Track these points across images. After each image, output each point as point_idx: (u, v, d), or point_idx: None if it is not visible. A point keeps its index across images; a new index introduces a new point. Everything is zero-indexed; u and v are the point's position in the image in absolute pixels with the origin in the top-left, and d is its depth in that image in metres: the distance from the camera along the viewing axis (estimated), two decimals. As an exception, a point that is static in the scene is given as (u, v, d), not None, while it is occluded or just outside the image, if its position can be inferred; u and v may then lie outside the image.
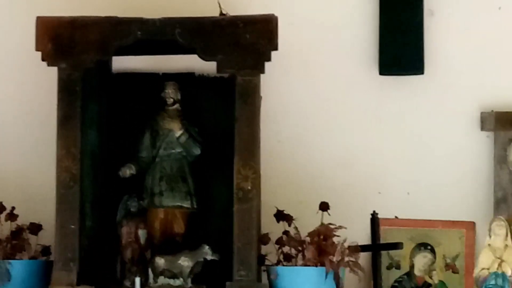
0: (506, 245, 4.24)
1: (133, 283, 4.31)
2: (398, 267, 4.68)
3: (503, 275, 4.20)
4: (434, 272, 4.66)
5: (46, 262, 4.51)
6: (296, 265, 4.37)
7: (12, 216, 4.53)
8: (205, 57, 4.41)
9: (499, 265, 4.20)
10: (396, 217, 4.69)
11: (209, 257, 4.37)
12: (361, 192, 4.77)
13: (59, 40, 4.41)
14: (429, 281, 4.67)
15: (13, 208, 4.56)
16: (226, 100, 4.52)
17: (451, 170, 4.79)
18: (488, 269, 4.21)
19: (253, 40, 4.34)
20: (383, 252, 4.62)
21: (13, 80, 4.89)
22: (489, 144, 4.76)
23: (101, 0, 4.84)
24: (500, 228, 4.25)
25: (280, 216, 4.46)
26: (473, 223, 4.68)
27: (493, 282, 4.20)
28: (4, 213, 4.52)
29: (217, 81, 4.63)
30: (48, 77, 4.54)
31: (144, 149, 4.56)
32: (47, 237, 4.55)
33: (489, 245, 4.23)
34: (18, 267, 4.43)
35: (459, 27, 4.89)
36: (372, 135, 4.86)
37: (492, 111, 4.71)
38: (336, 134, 4.88)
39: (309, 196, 4.66)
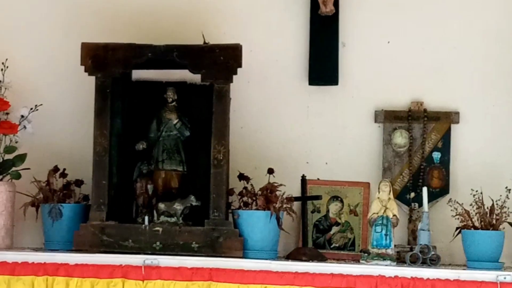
0: (389, 198, 4.41)
1: (143, 220, 4.44)
2: (318, 211, 4.70)
3: (387, 217, 4.36)
4: (342, 215, 4.71)
5: (85, 206, 4.62)
6: (251, 210, 4.46)
7: (63, 175, 4.64)
8: (193, 71, 4.52)
9: (384, 211, 4.38)
10: (318, 178, 4.72)
11: (194, 203, 4.48)
12: (295, 162, 4.78)
13: (96, 58, 4.51)
14: (339, 221, 4.72)
15: (64, 169, 4.66)
16: (207, 100, 4.57)
17: (356, 148, 4.81)
18: (377, 213, 4.38)
19: (226, 60, 4.46)
20: (309, 202, 4.65)
21: (68, 85, 4.86)
22: (380, 132, 4.78)
23: (124, 32, 4.79)
24: (385, 186, 4.42)
25: (241, 177, 4.55)
26: (369, 183, 4.72)
27: (380, 222, 4.36)
28: (58, 172, 4.64)
29: (201, 87, 4.66)
30: (89, 83, 4.57)
31: (152, 132, 4.61)
32: (87, 189, 4.63)
33: (378, 198, 4.40)
34: (67, 209, 4.55)
35: (362, 54, 4.85)
36: (303, 125, 4.86)
37: (382, 109, 4.76)
38: (279, 124, 4.86)
39: (261, 164, 4.69)
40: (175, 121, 4.57)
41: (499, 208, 4.30)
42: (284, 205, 4.41)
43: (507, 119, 4.72)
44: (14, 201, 4.60)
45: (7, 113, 4.61)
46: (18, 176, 4.59)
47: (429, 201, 4.46)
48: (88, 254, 4.33)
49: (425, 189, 4.46)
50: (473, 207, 4.34)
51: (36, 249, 4.54)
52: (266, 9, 4.88)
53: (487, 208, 4.32)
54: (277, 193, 4.42)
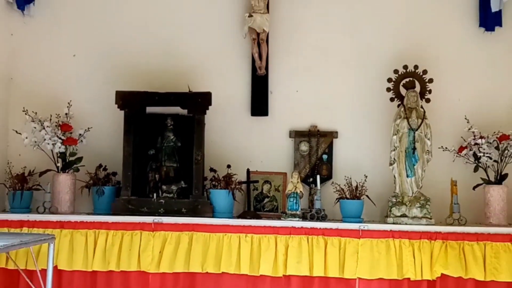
0: (298, 181, 4.37)
1: (153, 196, 4.41)
2: (257, 189, 4.64)
3: (296, 193, 4.36)
4: (271, 192, 4.65)
5: (118, 187, 4.55)
6: (217, 189, 4.44)
7: (105, 169, 4.62)
8: (183, 108, 4.50)
9: (295, 189, 4.36)
10: (256, 170, 4.66)
11: (183, 186, 4.45)
12: (243, 161, 4.67)
13: (124, 100, 4.46)
14: (269, 195, 4.65)
15: (105, 166, 4.62)
16: (191, 124, 4.49)
17: (278, 152, 4.73)
18: (291, 190, 4.37)
19: (202, 101, 4.45)
20: (251, 184, 4.62)
21: (107, 116, 4.69)
22: (292, 143, 4.72)
23: (142, 83, 4.61)
24: (295, 175, 4.41)
25: (211, 170, 4.55)
26: (286, 173, 4.65)
27: (292, 195, 4.35)
28: (101, 168, 4.60)
29: (187, 117, 4.53)
30: (120, 114, 4.50)
31: (158, 143, 4.56)
32: (119, 177, 4.57)
33: (291, 181, 4.39)
34: (107, 189, 4.52)
35: (281, 98, 4.75)
36: (247, 139, 4.74)
37: (293, 130, 4.70)
38: (233, 139, 4.75)
39: (223, 162, 4.60)
40: (172, 137, 4.56)
41: (360, 187, 4.39)
42: (237, 186, 4.48)
43: (366, 136, 4.69)
44: (75, 185, 4.57)
45: (71, 133, 4.55)
46: (77, 170, 4.58)
47: (320, 183, 4.51)
48: (120, 216, 4.34)
49: (318, 177, 4.52)
50: (345, 186, 4.43)
51: (88, 214, 4.52)
52: (227, 71, 4.79)
53: (354, 187, 4.40)
54: (233, 179, 4.48)
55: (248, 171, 4.64)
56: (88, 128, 4.62)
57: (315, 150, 4.69)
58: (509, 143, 4.37)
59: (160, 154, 4.56)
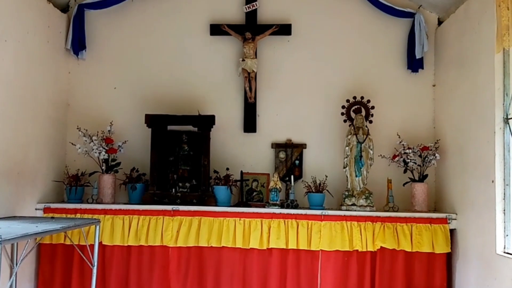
0: (277, 179, 4.55)
1: (172, 190, 4.56)
2: (248, 185, 4.79)
3: (276, 188, 4.53)
4: (258, 187, 4.76)
5: (147, 184, 4.69)
6: (219, 185, 4.60)
7: (137, 171, 4.77)
8: (194, 126, 4.67)
9: (275, 185, 4.54)
10: (248, 172, 4.79)
11: (194, 183, 4.60)
12: (238, 165, 4.80)
13: (152, 120, 4.63)
14: (256, 190, 4.79)
15: (138, 168, 4.78)
16: (200, 139, 4.63)
17: (264, 159, 4.87)
18: (272, 186, 4.53)
19: (208, 122, 4.63)
20: (244, 182, 4.75)
21: (139, 132, 4.81)
22: (273, 152, 4.89)
23: (164, 107, 4.77)
24: (276, 175, 4.60)
25: (215, 171, 4.68)
26: (269, 174, 4.85)
27: (274, 190, 4.53)
28: (134, 170, 4.74)
29: (198, 133, 4.65)
30: (148, 131, 4.66)
31: (176, 152, 4.66)
32: (147, 176, 4.70)
33: (273, 180, 4.56)
34: (139, 186, 4.69)
35: (266, 119, 4.88)
36: (242, 149, 4.84)
37: (274, 143, 4.89)
38: (231, 149, 4.89)
39: (223, 165, 4.76)
40: (186, 148, 4.74)
41: (322, 184, 4.68)
42: (233, 183, 4.67)
43: (326, 147, 4.93)
44: (115, 182, 4.77)
45: (112, 144, 4.75)
46: (117, 171, 4.80)
47: (294, 181, 4.75)
48: (148, 205, 4.52)
49: (292, 176, 4.78)
50: (312, 183, 4.70)
51: (125, 203, 4.70)
52: (226, 100, 4.99)
53: (318, 184, 4.68)
54: (230, 178, 4.68)
55: (241, 172, 4.83)
56: (125, 141, 4.84)
57: (290, 157, 4.91)
58: (428, 153, 4.71)
59: (177, 160, 4.76)
